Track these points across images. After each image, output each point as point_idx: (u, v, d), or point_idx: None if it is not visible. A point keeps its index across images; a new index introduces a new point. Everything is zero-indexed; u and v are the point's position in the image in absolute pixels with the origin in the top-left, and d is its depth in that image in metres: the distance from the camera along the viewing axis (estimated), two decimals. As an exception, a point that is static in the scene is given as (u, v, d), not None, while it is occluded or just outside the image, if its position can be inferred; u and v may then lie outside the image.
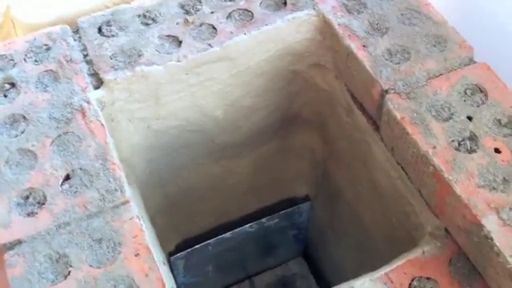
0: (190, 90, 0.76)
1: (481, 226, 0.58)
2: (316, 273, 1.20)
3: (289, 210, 1.08)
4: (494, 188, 0.60)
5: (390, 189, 0.74)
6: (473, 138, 0.64)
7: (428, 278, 0.62)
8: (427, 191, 0.66)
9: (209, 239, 0.99)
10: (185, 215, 0.97)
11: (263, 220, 1.06)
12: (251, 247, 1.09)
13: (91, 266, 0.56)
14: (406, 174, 0.70)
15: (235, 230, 1.01)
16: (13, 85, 0.70)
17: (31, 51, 0.74)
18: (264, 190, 1.03)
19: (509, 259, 0.55)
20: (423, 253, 0.64)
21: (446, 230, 0.65)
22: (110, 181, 0.62)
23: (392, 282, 0.61)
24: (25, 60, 0.73)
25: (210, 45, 0.74)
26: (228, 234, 1.00)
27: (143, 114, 0.75)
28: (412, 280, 0.61)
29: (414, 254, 0.64)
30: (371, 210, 0.83)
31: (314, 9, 0.77)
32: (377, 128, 0.74)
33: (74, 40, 0.75)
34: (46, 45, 0.74)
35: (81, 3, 0.87)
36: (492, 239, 0.56)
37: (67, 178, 0.62)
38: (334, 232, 1.04)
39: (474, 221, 0.58)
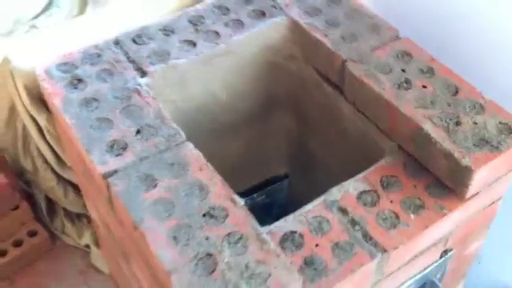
0: (205, 78, 1.04)
1: (421, 129, 0.88)
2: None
3: (272, 186, 1.35)
4: (425, 107, 0.92)
5: (355, 132, 1.04)
6: (407, 81, 0.96)
7: (392, 176, 0.91)
8: (382, 122, 0.97)
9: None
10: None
11: (254, 195, 1.32)
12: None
13: (171, 178, 0.81)
14: (366, 116, 1.00)
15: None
16: (79, 80, 0.96)
17: (86, 58, 1.00)
18: (251, 169, 1.30)
19: (442, 144, 0.86)
20: (386, 162, 0.94)
21: (399, 146, 0.95)
22: (169, 129, 0.88)
23: (369, 180, 0.90)
24: (83, 64, 0.99)
25: (217, 43, 1.03)
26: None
27: (173, 96, 1.02)
28: (381, 177, 0.91)
29: (380, 163, 0.93)
30: (342, 158, 1.12)
31: (285, 15, 1.09)
32: (341, 91, 1.05)
33: (117, 49, 1.02)
34: (96, 53, 1.01)
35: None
36: (429, 134, 0.87)
37: (138, 132, 0.88)
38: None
39: (417, 126, 0.89)
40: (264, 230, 0.79)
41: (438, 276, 1.00)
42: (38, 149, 1.76)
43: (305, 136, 1.24)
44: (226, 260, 0.72)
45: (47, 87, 0.95)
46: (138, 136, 0.87)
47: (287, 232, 0.83)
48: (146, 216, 0.77)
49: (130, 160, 0.84)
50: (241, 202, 0.79)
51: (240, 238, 0.75)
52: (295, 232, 0.83)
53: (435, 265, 0.96)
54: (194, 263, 0.72)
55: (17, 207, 1.86)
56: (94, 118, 0.90)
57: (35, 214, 1.93)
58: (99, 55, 1.00)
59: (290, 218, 0.85)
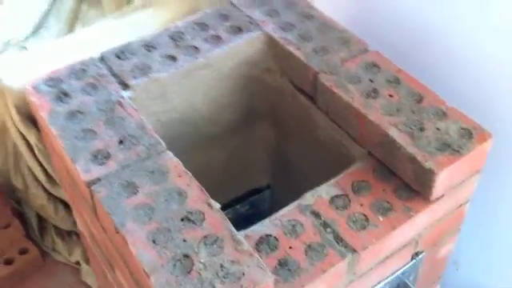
0: (186, 90, 1.09)
1: (387, 135, 0.94)
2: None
3: (255, 197, 1.40)
4: (391, 114, 0.97)
5: (329, 140, 1.09)
6: (375, 90, 1.02)
7: (362, 180, 0.96)
8: (352, 129, 1.02)
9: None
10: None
11: (237, 206, 1.37)
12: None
13: (151, 185, 0.86)
14: (338, 125, 1.06)
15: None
16: (65, 94, 1.01)
17: (72, 73, 1.05)
18: (233, 182, 1.35)
19: (406, 148, 0.91)
20: (356, 168, 0.99)
21: (369, 153, 1.01)
22: (150, 139, 0.93)
23: (341, 185, 0.95)
24: (69, 79, 1.04)
25: (196, 57, 1.09)
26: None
27: (155, 108, 1.07)
28: (353, 182, 0.96)
29: (351, 169, 0.99)
30: (318, 165, 1.17)
31: (261, 30, 1.15)
32: (314, 102, 1.10)
33: (101, 64, 1.07)
34: (82, 69, 1.06)
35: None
36: (395, 140, 0.93)
37: (120, 142, 0.93)
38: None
39: (383, 133, 0.94)
40: (241, 233, 0.84)
41: (411, 278, 1.04)
42: (28, 167, 1.80)
43: (284, 146, 1.29)
44: (202, 260, 0.77)
45: (34, 101, 1.00)
46: (121, 146, 0.92)
47: (263, 235, 0.88)
48: (127, 220, 0.81)
49: (113, 168, 0.89)
50: (217, 205, 0.84)
51: (216, 240, 0.80)
52: (270, 235, 0.87)
53: (407, 267, 1.01)
54: (171, 264, 0.76)
55: (8, 225, 1.90)
56: (78, 130, 0.95)
57: (26, 231, 1.97)
58: (84, 70, 1.05)
59: (266, 221, 0.90)
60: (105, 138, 0.93)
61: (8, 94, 1.63)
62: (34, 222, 1.94)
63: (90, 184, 0.87)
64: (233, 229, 0.81)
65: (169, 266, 0.76)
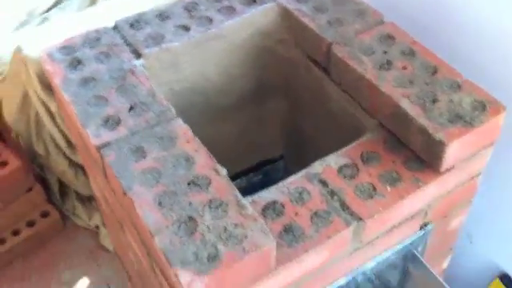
0: (198, 61, 1.10)
1: (399, 106, 0.93)
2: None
3: (268, 166, 1.41)
4: (404, 86, 0.96)
5: (341, 111, 1.09)
6: (388, 62, 1.00)
7: (372, 151, 0.95)
8: (364, 101, 1.01)
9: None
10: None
11: (251, 175, 1.38)
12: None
13: (159, 150, 0.87)
14: (350, 96, 1.05)
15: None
16: (79, 62, 1.02)
17: (86, 42, 1.06)
18: (246, 152, 1.35)
19: (418, 120, 0.90)
20: (367, 139, 0.98)
21: (380, 124, 1.00)
22: (161, 106, 0.94)
23: (350, 155, 0.95)
24: (83, 47, 1.05)
25: (209, 28, 1.09)
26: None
27: (168, 78, 1.08)
28: (362, 153, 0.95)
29: (361, 140, 0.98)
30: (330, 137, 1.17)
31: (275, 1, 1.14)
32: (328, 73, 1.09)
33: (115, 33, 1.08)
34: (96, 37, 1.07)
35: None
36: (406, 111, 0.92)
37: (131, 108, 0.94)
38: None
39: (395, 104, 0.93)
40: (247, 199, 0.84)
41: (420, 249, 1.04)
42: (49, 134, 1.85)
43: (297, 118, 1.28)
44: (206, 223, 0.78)
45: (49, 69, 1.01)
46: (131, 112, 0.93)
47: (269, 201, 0.88)
48: (135, 183, 0.82)
49: (123, 133, 0.90)
50: (223, 171, 0.85)
51: (220, 204, 0.80)
52: (277, 201, 0.88)
53: (415, 237, 1.00)
54: (176, 225, 0.77)
55: (30, 189, 1.95)
56: (91, 96, 0.96)
57: (48, 196, 2.03)
58: (98, 39, 1.07)
59: (273, 189, 0.90)
60: (116, 104, 0.94)
61: (30, 64, 1.66)
62: (55, 186, 1.99)
63: (99, 148, 0.88)
64: (238, 194, 0.82)
65: (173, 228, 0.77)
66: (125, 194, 0.82)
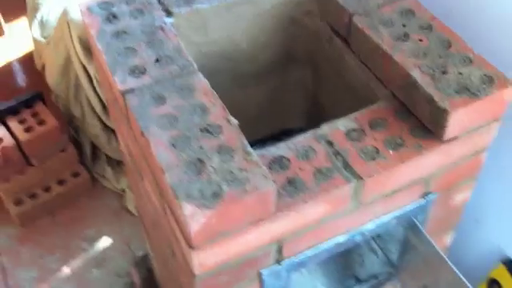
0: (227, 25, 1.16)
1: (409, 75, 0.97)
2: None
3: (288, 137, 1.45)
4: (417, 57, 1.00)
5: (358, 82, 1.13)
6: (406, 35, 1.04)
7: (380, 118, 1.00)
8: (379, 71, 1.05)
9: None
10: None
11: (268, 143, 1.43)
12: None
13: (178, 99, 0.94)
14: (367, 67, 1.09)
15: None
16: (114, 16, 1.10)
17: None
18: (269, 120, 1.41)
19: (426, 89, 0.94)
20: (378, 107, 1.02)
21: (393, 94, 1.04)
22: (184, 61, 1.00)
23: (359, 120, 0.99)
24: (120, 3, 1.13)
25: (239, -7, 1.15)
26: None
27: (196, 39, 1.14)
28: (371, 119, 1.00)
29: (372, 107, 1.02)
30: (346, 108, 1.21)
31: (304, -27, 1.19)
32: (348, 44, 1.14)
33: (150, -7, 1.15)
34: (134, -5, 1.15)
35: None
36: (415, 79, 0.96)
37: (157, 60, 1.01)
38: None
39: (406, 73, 0.97)
40: (256, 152, 0.90)
41: (421, 219, 1.08)
42: (86, 97, 1.95)
43: (319, 91, 1.33)
44: (213, 165, 0.84)
45: (87, 21, 1.09)
46: (157, 64, 1.00)
47: (276, 156, 0.94)
48: (152, 125, 0.90)
49: (147, 82, 0.97)
50: (235, 122, 0.91)
51: (228, 150, 0.86)
52: (283, 156, 0.94)
53: (416, 205, 1.04)
54: (185, 165, 0.84)
55: (64, 150, 2.07)
56: (121, 47, 1.04)
57: (80, 158, 2.14)
58: (134, -3, 1.14)
59: (282, 145, 0.96)
60: (143, 56, 1.02)
61: (73, 27, 1.76)
62: (87, 149, 2.10)
63: (124, 93, 0.96)
64: (246, 142, 0.88)
65: (183, 167, 0.84)
66: (142, 134, 0.89)
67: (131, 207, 2.04)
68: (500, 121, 0.99)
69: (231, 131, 0.90)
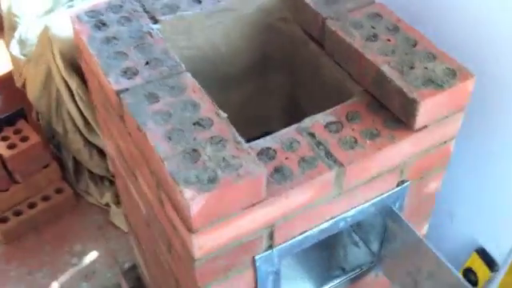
0: (207, 30, 1.23)
1: (380, 70, 1.06)
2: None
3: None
4: (386, 54, 1.09)
5: (333, 82, 1.22)
6: (375, 35, 1.14)
7: (356, 111, 1.08)
8: (352, 69, 1.15)
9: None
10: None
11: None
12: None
13: (170, 97, 1.01)
14: (341, 67, 1.18)
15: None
16: (103, 24, 1.16)
17: (110, 8, 1.20)
18: (249, 124, 1.48)
19: (396, 82, 1.03)
20: (353, 101, 1.11)
21: (366, 91, 1.13)
22: (172, 62, 1.07)
23: (337, 114, 1.08)
24: (107, 12, 1.19)
25: (219, 1, 1.23)
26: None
27: (180, 43, 1.21)
28: (347, 112, 1.08)
29: (348, 102, 1.11)
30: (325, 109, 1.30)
31: (279, -18, 1.28)
32: (323, 47, 1.23)
33: (136, 2, 1.22)
34: (119, 5, 1.21)
35: None
36: (386, 74, 1.05)
37: (147, 63, 1.08)
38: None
39: (377, 69, 1.07)
40: (245, 145, 0.97)
41: (397, 205, 1.16)
42: (68, 112, 1.99)
43: (296, 93, 1.42)
44: (207, 154, 0.91)
45: (78, 27, 1.15)
46: (147, 66, 1.07)
47: (263, 147, 1.01)
48: (148, 121, 0.96)
49: (139, 82, 1.04)
50: (224, 115, 0.98)
51: (220, 140, 0.94)
52: (270, 148, 1.01)
53: (392, 192, 1.13)
54: (182, 155, 0.91)
55: (47, 166, 2.09)
56: (112, 52, 1.10)
57: (63, 173, 2.16)
58: (121, 6, 1.21)
59: (268, 138, 1.04)
60: (134, 59, 1.08)
61: (55, 42, 1.81)
62: (70, 165, 2.13)
63: (119, 93, 1.02)
64: (236, 133, 0.95)
65: (180, 156, 0.90)
66: (139, 129, 0.95)
67: (117, 221, 2.07)
68: (464, 110, 1.09)
69: (221, 123, 0.97)
